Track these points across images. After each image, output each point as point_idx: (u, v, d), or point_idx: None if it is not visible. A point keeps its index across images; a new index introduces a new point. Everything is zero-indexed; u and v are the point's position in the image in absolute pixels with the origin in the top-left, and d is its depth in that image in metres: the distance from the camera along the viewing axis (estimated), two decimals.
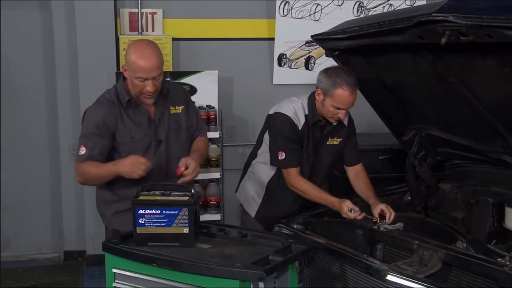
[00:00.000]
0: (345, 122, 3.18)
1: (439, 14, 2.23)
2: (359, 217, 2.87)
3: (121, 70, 2.80)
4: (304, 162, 3.13)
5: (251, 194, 3.33)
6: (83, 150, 2.73)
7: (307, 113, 3.09)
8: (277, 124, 3.11)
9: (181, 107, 2.92)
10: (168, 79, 4.25)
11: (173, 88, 2.94)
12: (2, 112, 4.62)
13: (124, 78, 2.78)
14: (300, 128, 3.08)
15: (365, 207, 2.97)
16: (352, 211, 2.86)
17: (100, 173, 2.73)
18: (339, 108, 2.96)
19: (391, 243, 2.66)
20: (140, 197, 2.44)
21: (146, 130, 2.79)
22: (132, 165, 2.62)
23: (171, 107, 2.88)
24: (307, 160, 3.14)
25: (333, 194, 4.61)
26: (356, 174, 3.22)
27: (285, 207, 3.20)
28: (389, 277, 2.33)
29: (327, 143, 3.16)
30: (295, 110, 3.09)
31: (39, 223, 4.80)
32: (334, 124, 3.09)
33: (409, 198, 3.31)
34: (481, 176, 3.13)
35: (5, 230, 4.72)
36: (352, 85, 2.91)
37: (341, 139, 3.18)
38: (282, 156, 3.07)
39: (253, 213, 3.32)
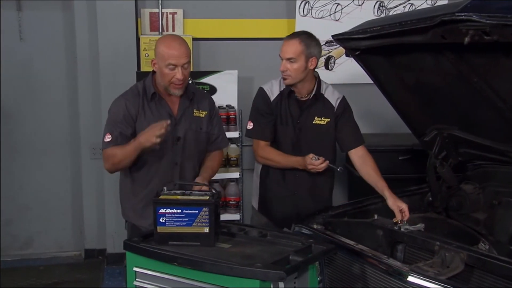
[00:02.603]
0: (334, 103, 3.20)
1: (463, 14, 2.20)
2: (323, 165, 2.99)
3: (151, 66, 2.91)
4: (282, 135, 3.18)
5: (253, 187, 3.39)
6: (108, 138, 2.83)
7: (285, 86, 3.17)
8: (254, 97, 3.25)
9: (204, 113, 3.00)
10: (189, 78, 4.27)
11: (199, 93, 3.06)
12: (25, 111, 4.69)
13: (153, 73, 2.90)
14: (272, 98, 3.17)
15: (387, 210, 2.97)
16: (315, 159, 2.98)
17: (125, 152, 2.79)
18: None
19: (412, 244, 2.64)
20: (161, 197, 2.46)
21: None
22: (148, 131, 2.69)
23: (195, 109, 2.96)
24: (285, 134, 3.18)
25: (351, 195, 4.64)
26: (361, 159, 3.20)
27: (278, 194, 3.25)
28: (410, 278, 2.31)
29: (314, 122, 3.18)
30: (272, 83, 3.22)
31: (61, 222, 4.86)
32: (286, 81, 3.10)
33: (430, 199, 3.28)
34: (504, 177, 3.08)
35: (27, 228, 4.80)
36: None
37: (328, 119, 3.19)
38: (250, 126, 3.20)
39: (256, 206, 3.36)
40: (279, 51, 3.10)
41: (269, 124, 3.17)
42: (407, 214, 2.86)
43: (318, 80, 3.20)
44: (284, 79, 3.10)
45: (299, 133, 3.17)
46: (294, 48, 3.03)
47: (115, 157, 2.83)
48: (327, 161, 3.00)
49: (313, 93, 3.17)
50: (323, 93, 3.21)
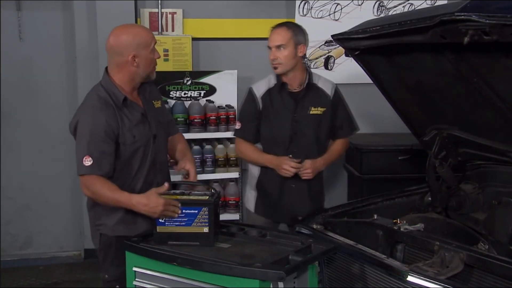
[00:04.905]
0: (329, 92, 3.25)
1: (462, 14, 2.20)
2: (298, 166, 3.07)
3: (128, 59, 2.59)
4: (278, 129, 3.20)
5: (247, 189, 3.41)
6: (89, 161, 2.48)
7: (275, 82, 3.22)
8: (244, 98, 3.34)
9: (159, 102, 2.86)
10: (188, 78, 4.28)
11: (148, 83, 2.81)
12: (25, 111, 4.68)
13: (109, 77, 2.66)
14: (260, 96, 3.20)
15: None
16: (291, 158, 3.08)
17: (113, 200, 2.52)
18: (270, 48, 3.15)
19: (412, 244, 2.64)
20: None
21: (143, 126, 2.67)
22: (150, 202, 2.44)
23: (153, 101, 2.80)
24: (282, 127, 3.19)
25: (351, 195, 4.64)
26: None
27: (276, 188, 3.24)
28: (410, 278, 2.31)
29: (310, 112, 3.20)
30: (260, 81, 3.28)
31: (60, 222, 4.86)
32: (277, 70, 3.15)
33: (430, 198, 3.28)
34: (503, 177, 3.07)
35: (27, 228, 4.80)
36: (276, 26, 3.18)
37: (324, 108, 3.22)
38: (238, 126, 3.27)
39: (252, 208, 3.36)
40: (268, 42, 3.16)
41: (254, 125, 3.23)
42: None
43: (309, 71, 3.25)
44: (275, 68, 3.14)
45: (295, 125, 3.19)
46: (282, 35, 3.11)
47: (101, 196, 2.54)
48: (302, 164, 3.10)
49: (306, 82, 3.20)
50: (316, 83, 3.24)
